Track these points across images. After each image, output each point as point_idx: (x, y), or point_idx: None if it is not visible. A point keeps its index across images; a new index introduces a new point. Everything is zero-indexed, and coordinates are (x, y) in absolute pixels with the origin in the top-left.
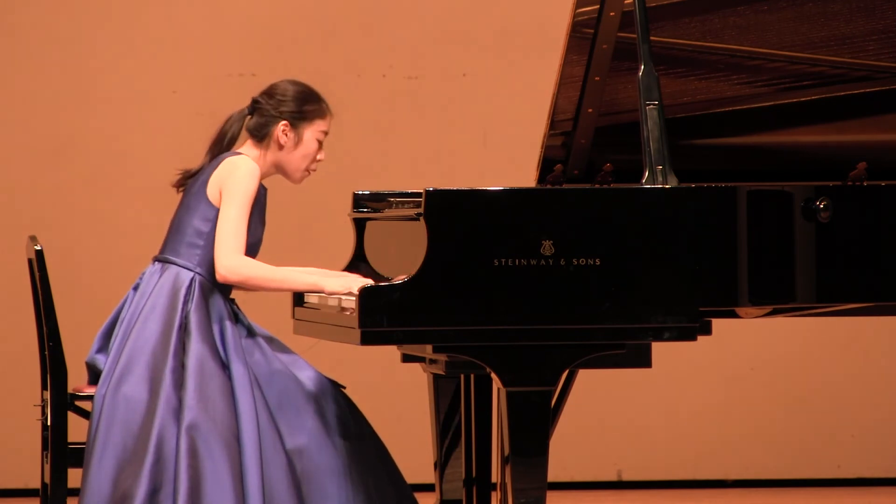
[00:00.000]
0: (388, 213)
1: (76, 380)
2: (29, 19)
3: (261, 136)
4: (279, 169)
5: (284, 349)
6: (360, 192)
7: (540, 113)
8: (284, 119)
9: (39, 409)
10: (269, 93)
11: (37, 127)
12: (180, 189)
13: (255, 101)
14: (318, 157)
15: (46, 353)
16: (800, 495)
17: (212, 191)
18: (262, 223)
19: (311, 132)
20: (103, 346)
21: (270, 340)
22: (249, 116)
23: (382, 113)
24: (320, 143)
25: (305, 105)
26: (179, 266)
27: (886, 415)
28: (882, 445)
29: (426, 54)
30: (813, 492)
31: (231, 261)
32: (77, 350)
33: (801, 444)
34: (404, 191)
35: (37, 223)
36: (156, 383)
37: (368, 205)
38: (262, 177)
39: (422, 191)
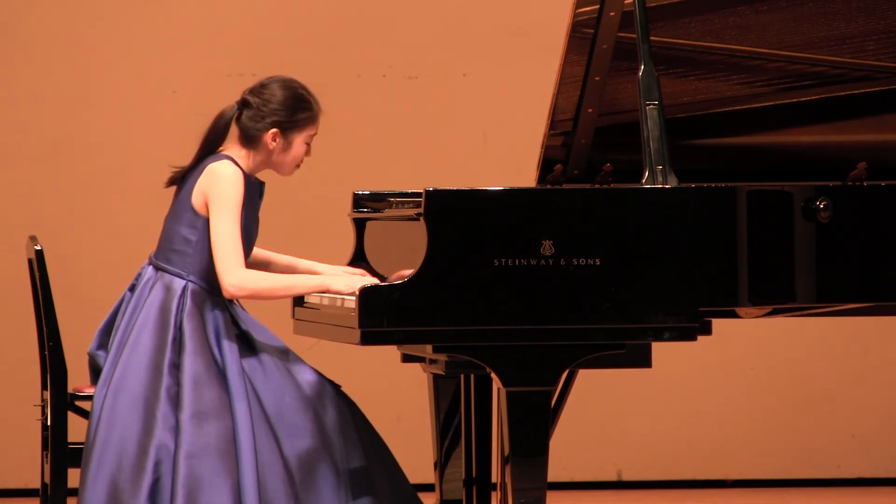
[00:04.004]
0: (388, 213)
1: (76, 380)
2: (28, 19)
3: (249, 138)
4: (267, 167)
5: (282, 349)
6: (360, 192)
7: (540, 113)
8: (275, 127)
9: (39, 409)
10: (259, 94)
11: (37, 127)
12: (170, 187)
13: (244, 102)
14: (306, 157)
15: (46, 353)
16: (800, 495)
17: (196, 199)
18: (256, 220)
19: (300, 138)
20: (103, 343)
21: (269, 342)
22: (239, 112)
23: (382, 113)
24: (308, 145)
25: (297, 114)
26: (172, 274)
27: (886, 415)
28: (882, 445)
29: (426, 54)
30: (813, 492)
31: (236, 278)
32: (77, 350)
33: (801, 444)
34: (404, 191)
35: (37, 223)
36: (151, 402)
37: (368, 205)
38: (251, 173)
39: (422, 191)
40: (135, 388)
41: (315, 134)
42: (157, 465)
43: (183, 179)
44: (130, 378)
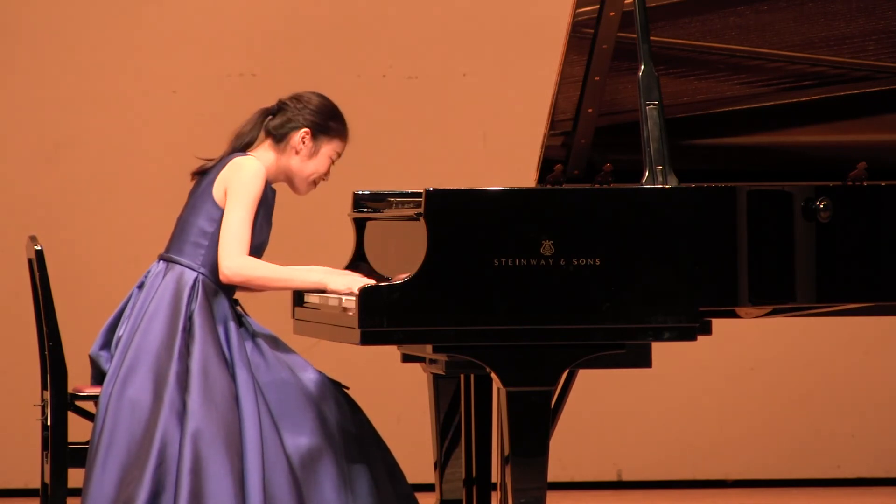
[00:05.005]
0: (388, 213)
1: (76, 380)
2: (29, 19)
3: (279, 136)
4: (287, 176)
5: (287, 350)
6: (360, 192)
7: (540, 113)
8: (307, 127)
9: (39, 409)
10: (297, 97)
11: (37, 127)
12: (194, 178)
13: (281, 103)
14: (326, 176)
15: (46, 353)
16: (800, 495)
17: (217, 191)
18: (269, 224)
19: (327, 148)
20: (107, 342)
21: (273, 341)
22: (272, 116)
23: (382, 113)
24: (332, 162)
25: (331, 120)
26: (184, 266)
27: (886, 415)
28: (882, 445)
29: (426, 54)
30: (813, 492)
31: (234, 262)
32: (77, 349)
33: (801, 444)
34: (404, 191)
35: (37, 223)
36: (159, 386)
37: (368, 205)
38: (271, 181)
39: (422, 191)
40: (145, 372)
41: (340, 154)
42: (161, 449)
43: (204, 174)
44: (141, 362)
